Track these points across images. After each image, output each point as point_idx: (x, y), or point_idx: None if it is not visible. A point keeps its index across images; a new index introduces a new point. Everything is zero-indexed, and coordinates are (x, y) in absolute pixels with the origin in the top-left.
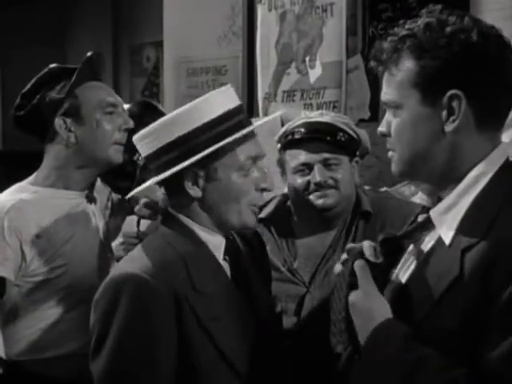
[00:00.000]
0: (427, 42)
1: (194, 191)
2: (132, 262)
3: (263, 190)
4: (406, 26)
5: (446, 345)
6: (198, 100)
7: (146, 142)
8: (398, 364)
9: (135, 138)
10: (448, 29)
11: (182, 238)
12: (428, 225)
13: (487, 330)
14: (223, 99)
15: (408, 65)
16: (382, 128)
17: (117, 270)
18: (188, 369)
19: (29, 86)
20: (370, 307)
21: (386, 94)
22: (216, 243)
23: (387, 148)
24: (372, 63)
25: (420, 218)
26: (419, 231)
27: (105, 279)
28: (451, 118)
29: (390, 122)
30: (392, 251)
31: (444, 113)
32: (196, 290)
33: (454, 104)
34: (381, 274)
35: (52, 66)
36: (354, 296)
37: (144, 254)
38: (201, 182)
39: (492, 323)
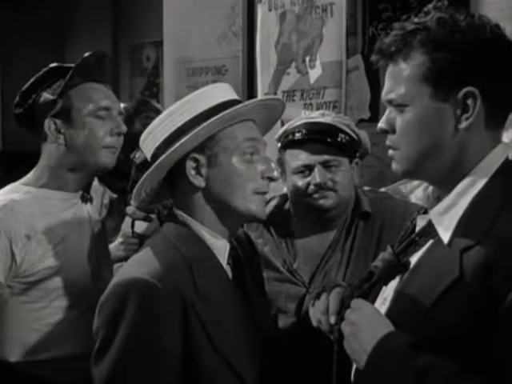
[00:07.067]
0: (441, 35)
1: (198, 180)
2: (139, 266)
3: (269, 178)
4: (415, 20)
5: (446, 344)
6: (194, 92)
7: (147, 141)
8: (407, 373)
9: (141, 141)
10: (462, 24)
11: (187, 240)
12: (429, 230)
13: (494, 333)
14: (221, 92)
15: (419, 59)
16: (382, 124)
17: (124, 273)
18: (192, 374)
19: (28, 84)
20: (371, 323)
21: (392, 89)
22: (220, 247)
23: (387, 146)
24: (374, 57)
25: (418, 219)
26: (422, 238)
27: (111, 282)
28: (465, 116)
29: (392, 118)
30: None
31: (458, 110)
32: (200, 294)
33: (469, 101)
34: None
35: (52, 64)
36: (353, 316)
37: (151, 256)
38: (203, 170)
39: (499, 328)
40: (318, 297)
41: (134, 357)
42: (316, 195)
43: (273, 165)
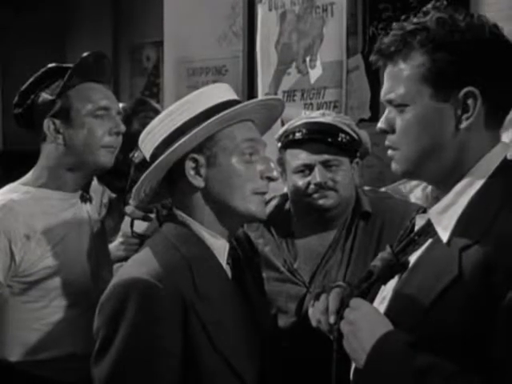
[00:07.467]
0: (441, 36)
1: (197, 181)
2: (139, 266)
3: (268, 178)
4: (415, 20)
5: (446, 344)
6: (194, 93)
7: (146, 141)
8: (407, 373)
9: (140, 140)
10: (462, 24)
11: (187, 240)
12: (428, 229)
13: (494, 332)
14: (220, 92)
15: (419, 59)
16: (382, 125)
17: (124, 273)
18: (192, 374)
19: (26, 84)
20: (370, 322)
21: (391, 90)
22: (220, 247)
23: (387, 146)
24: (374, 57)
25: (417, 219)
26: (421, 237)
27: (111, 282)
28: (465, 116)
29: (391, 118)
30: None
31: (459, 110)
32: (200, 294)
33: (469, 101)
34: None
35: (51, 65)
36: (352, 315)
37: (151, 257)
38: (202, 170)
39: (499, 327)
40: (317, 297)
41: (134, 357)
42: (316, 195)
43: (272, 165)
